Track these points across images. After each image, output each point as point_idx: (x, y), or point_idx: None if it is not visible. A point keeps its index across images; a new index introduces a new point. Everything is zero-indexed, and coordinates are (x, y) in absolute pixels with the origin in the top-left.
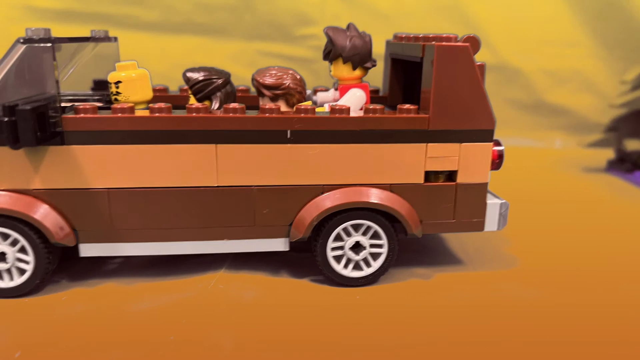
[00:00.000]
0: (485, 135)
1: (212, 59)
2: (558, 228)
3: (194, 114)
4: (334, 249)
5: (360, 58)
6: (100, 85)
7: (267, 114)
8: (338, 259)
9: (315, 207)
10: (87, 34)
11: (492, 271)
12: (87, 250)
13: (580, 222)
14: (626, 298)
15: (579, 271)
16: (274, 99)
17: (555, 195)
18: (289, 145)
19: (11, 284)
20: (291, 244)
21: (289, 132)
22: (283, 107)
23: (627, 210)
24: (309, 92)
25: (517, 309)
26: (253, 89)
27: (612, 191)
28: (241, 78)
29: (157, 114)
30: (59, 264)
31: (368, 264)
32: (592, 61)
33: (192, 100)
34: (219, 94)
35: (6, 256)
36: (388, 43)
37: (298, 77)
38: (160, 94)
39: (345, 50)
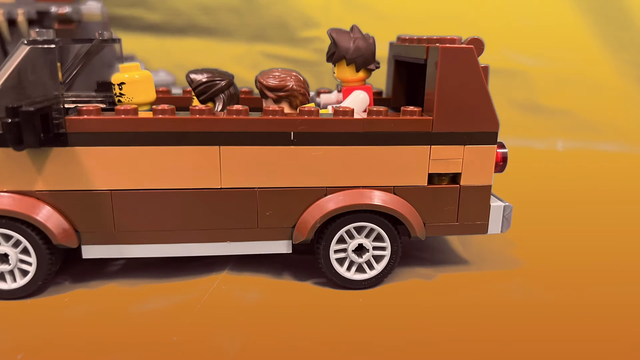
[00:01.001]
0: (490, 137)
1: (216, 61)
2: (561, 229)
3: (197, 116)
4: (336, 251)
5: (364, 60)
6: (104, 87)
7: (270, 116)
8: (341, 261)
9: (318, 210)
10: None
11: (496, 271)
12: (90, 252)
13: (584, 223)
14: (631, 298)
15: (582, 272)
16: (277, 100)
17: (558, 196)
18: (292, 147)
19: (14, 286)
20: (294, 246)
21: (292, 133)
22: (286, 109)
23: (631, 211)
24: (312, 94)
25: (520, 310)
26: (256, 91)
27: (616, 192)
28: (244, 80)
29: (160, 116)
30: (61, 266)
31: (371, 267)
32: (595, 63)
33: (196, 102)
34: (222, 95)
35: (9, 258)
36: (392, 45)
37: (301, 78)
38: (164, 96)
39: (349, 52)
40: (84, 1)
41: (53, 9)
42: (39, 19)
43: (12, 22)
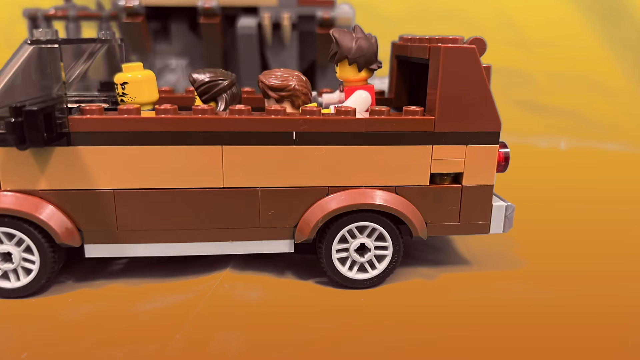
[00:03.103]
0: (492, 137)
1: None
2: (564, 228)
3: (200, 115)
4: (338, 250)
5: (366, 60)
6: (107, 87)
7: (272, 116)
8: (343, 261)
9: (320, 209)
10: (94, 35)
11: (498, 271)
12: (93, 251)
13: (586, 222)
14: (633, 298)
15: (584, 271)
16: (279, 100)
17: (561, 196)
18: (294, 146)
19: (17, 284)
20: (296, 245)
21: (294, 133)
22: (289, 109)
23: (633, 210)
24: (314, 93)
25: (523, 309)
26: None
27: (618, 191)
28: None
29: (163, 115)
30: (64, 265)
31: (373, 266)
32: (597, 62)
33: (198, 102)
34: (224, 95)
35: (12, 256)
36: (394, 45)
37: (304, 78)
38: (166, 95)
39: (351, 52)
40: (339, 4)
41: (319, 13)
42: (300, 23)
43: (276, 26)
